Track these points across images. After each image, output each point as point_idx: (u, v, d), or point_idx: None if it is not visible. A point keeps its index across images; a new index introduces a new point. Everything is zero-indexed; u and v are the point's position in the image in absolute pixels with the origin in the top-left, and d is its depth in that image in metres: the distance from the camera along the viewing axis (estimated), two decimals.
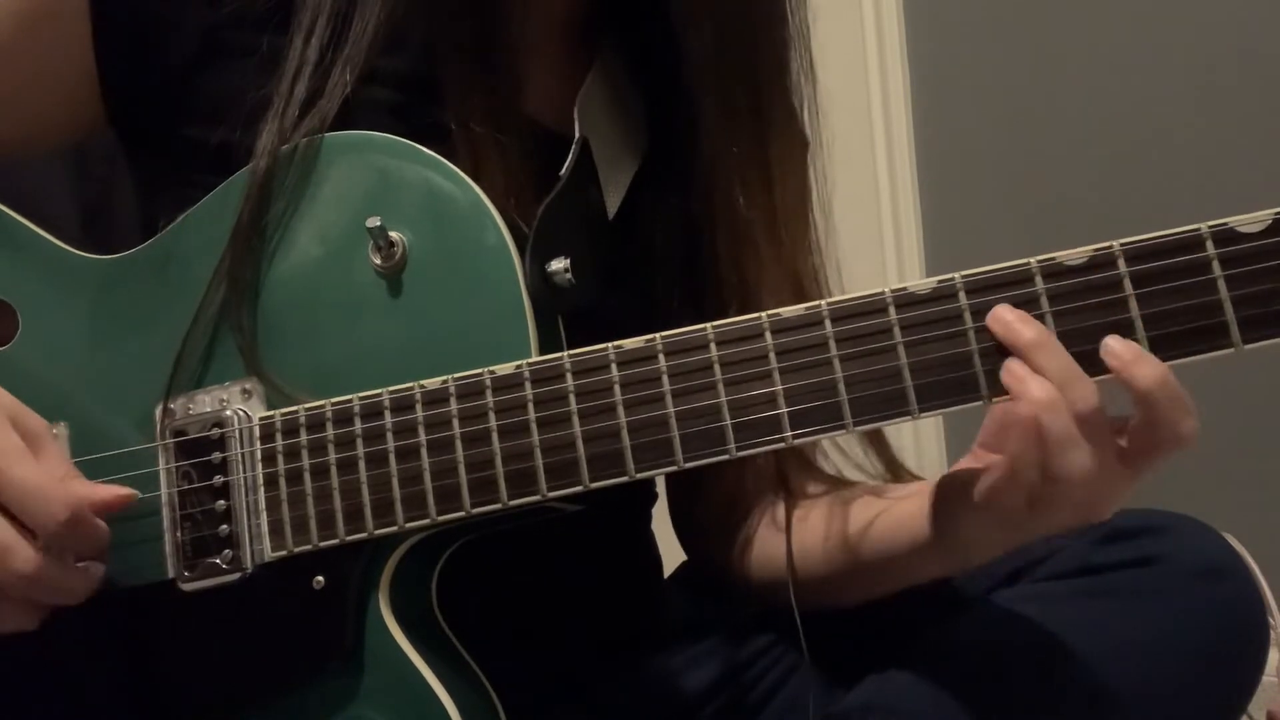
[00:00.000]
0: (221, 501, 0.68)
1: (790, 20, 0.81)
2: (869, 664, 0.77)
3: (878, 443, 0.81)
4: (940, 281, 0.62)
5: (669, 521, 0.90)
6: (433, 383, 0.66)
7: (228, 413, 0.69)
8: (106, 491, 0.65)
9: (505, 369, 0.65)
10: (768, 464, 0.81)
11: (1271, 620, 0.73)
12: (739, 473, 0.82)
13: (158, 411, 0.70)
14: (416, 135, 0.70)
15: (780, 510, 0.81)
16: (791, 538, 0.79)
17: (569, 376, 0.65)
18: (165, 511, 0.69)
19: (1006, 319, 0.60)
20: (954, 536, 0.69)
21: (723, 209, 0.80)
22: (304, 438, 0.67)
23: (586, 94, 0.79)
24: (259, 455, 0.68)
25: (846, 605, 0.79)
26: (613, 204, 0.79)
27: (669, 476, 0.84)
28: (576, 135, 0.77)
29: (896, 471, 0.81)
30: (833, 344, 0.62)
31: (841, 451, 0.81)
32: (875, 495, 0.79)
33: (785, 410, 0.62)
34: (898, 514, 0.74)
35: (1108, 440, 0.61)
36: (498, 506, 0.65)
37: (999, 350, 0.61)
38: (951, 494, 0.68)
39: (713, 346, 0.64)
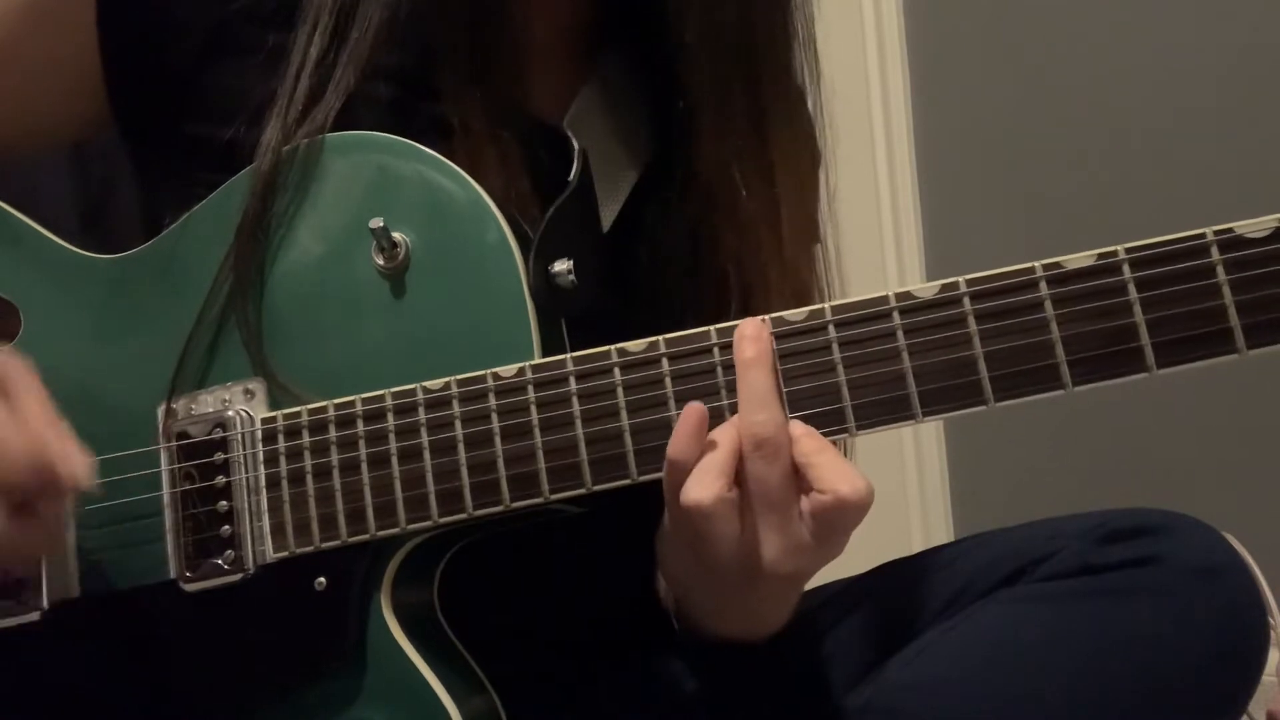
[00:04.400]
0: (224, 502, 0.68)
1: (791, 16, 0.81)
2: (868, 664, 0.77)
3: None
4: (944, 286, 0.62)
5: None
6: (435, 385, 0.66)
7: (230, 413, 0.69)
8: (77, 461, 0.62)
9: (508, 371, 0.65)
10: None
11: (1271, 620, 0.73)
12: None
13: (160, 412, 0.70)
14: (417, 132, 0.70)
15: None
16: None
17: (572, 380, 0.65)
18: (167, 512, 0.69)
19: (744, 332, 0.63)
20: (673, 581, 0.71)
21: (725, 204, 0.79)
22: (306, 439, 0.67)
23: (579, 107, 0.79)
24: (261, 456, 0.68)
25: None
26: (608, 216, 0.79)
27: None
28: (576, 147, 0.77)
29: None
30: (836, 348, 0.62)
31: None
32: None
33: (788, 415, 0.62)
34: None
35: (770, 483, 0.61)
36: (500, 509, 0.65)
37: (1003, 356, 0.61)
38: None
39: (716, 350, 0.64)
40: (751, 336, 0.63)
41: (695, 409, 0.62)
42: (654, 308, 0.80)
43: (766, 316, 0.64)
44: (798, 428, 0.62)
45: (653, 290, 0.81)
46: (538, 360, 0.65)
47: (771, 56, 0.80)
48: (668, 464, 0.63)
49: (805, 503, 0.62)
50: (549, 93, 0.79)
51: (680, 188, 0.81)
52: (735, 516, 0.62)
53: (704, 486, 0.61)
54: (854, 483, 0.61)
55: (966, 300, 0.61)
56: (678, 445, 0.62)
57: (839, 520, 0.61)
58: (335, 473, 0.67)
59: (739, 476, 0.62)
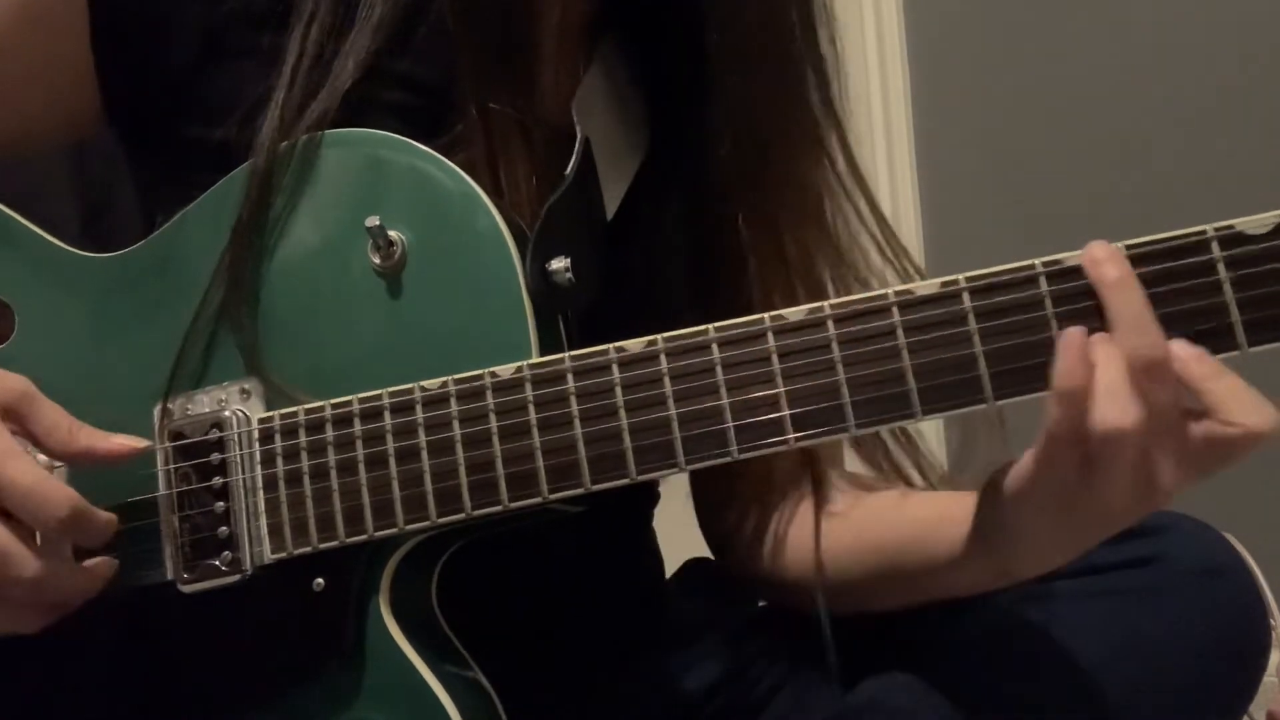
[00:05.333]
0: (221, 503, 0.68)
1: (815, 9, 0.81)
2: (870, 664, 0.77)
3: (910, 445, 0.80)
4: (944, 283, 0.61)
5: (670, 522, 0.90)
6: (433, 384, 0.66)
7: (226, 414, 0.68)
8: (119, 441, 0.65)
9: (506, 370, 0.65)
10: (796, 462, 0.80)
11: (1271, 620, 0.73)
12: (763, 472, 0.82)
13: (156, 412, 0.70)
14: (423, 134, 0.70)
15: (806, 508, 0.81)
16: (820, 538, 0.79)
17: (570, 378, 0.64)
18: (164, 513, 0.69)
19: (1096, 255, 0.59)
20: (1000, 531, 0.65)
21: (745, 196, 0.79)
22: (303, 439, 0.67)
23: (585, 93, 0.79)
24: (258, 457, 0.68)
25: (883, 610, 0.77)
26: (611, 205, 0.79)
27: (693, 475, 0.84)
28: (579, 135, 0.76)
29: (927, 475, 0.80)
30: (836, 346, 0.62)
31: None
32: (913, 493, 0.78)
33: (787, 412, 0.62)
34: (941, 507, 0.73)
35: (1165, 406, 0.58)
36: (498, 508, 0.65)
37: (1004, 353, 0.60)
38: (1000, 479, 0.64)
39: (714, 348, 0.63)
40: (1108, 258, 0.59)
41: (1076, 332, 0.58)
42: (654, 300, 0.80)
43: (766, 315, 0.63)
44: (1183, 348, 0.58)
45: (653, 281, 0.81)
46: (535, 359, 0.65)
47: (796, 43, 0.80)
48: (1063, 396, 0.57)
49: (1198, 428, 0.58)
50: (545, 88, 0.79)
51: (695, 177, 0.80)
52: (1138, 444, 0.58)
53: (1124, 411, 0.57)
54: (1265, 413, 0.57)
55: (966, 297, 0.61)
56: (1072, 373, 0.57)
57: (1242, 451, 0.58)
58: (332, 473, 0.66)
59: None
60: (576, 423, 0.64)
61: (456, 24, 0.73)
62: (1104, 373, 0.58)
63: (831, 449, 0.82)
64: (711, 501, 0.88)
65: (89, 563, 0.65)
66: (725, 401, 0.63)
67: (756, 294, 0.79)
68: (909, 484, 0.80)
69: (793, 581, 0.81)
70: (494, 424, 0.65)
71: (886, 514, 0.78)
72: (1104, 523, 0.62)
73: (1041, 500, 0.61)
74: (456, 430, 0.65)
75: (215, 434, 0.68)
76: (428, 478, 0.65)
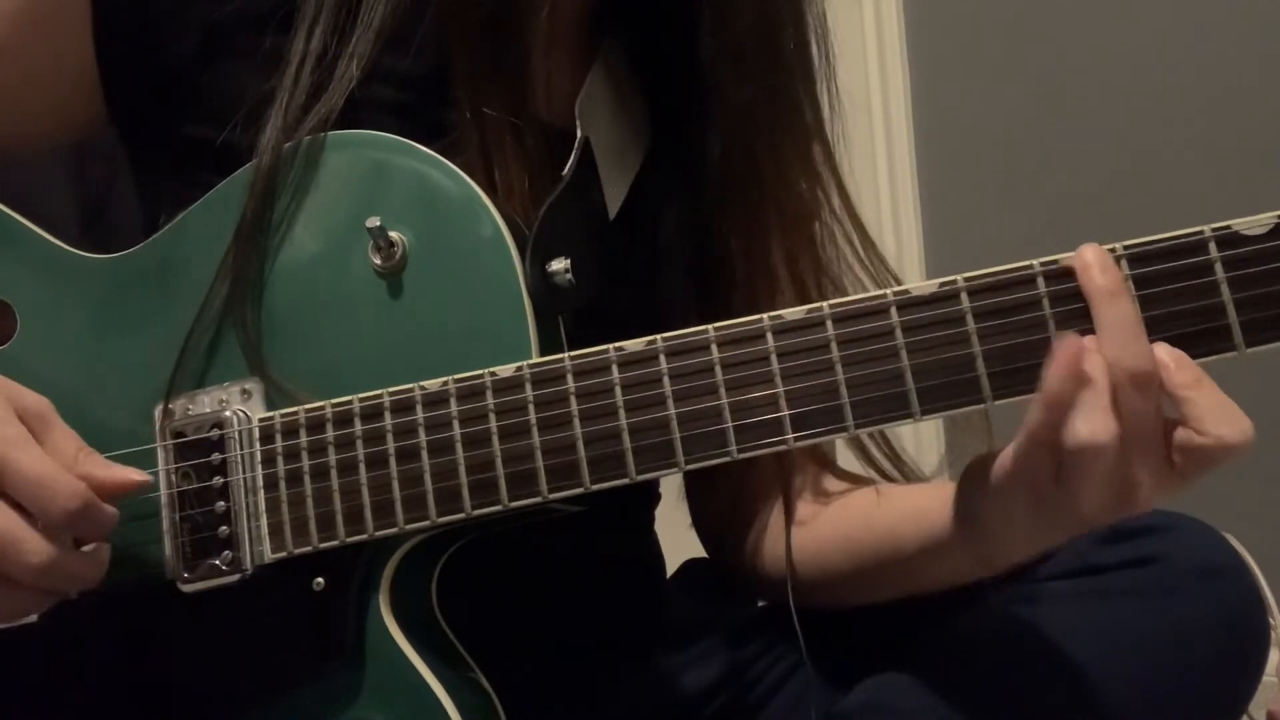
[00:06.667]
0: (221, 503, 0.68)
1: (809, 19, 0.81)
2: (869, 664, 0.77)
3: (885, 445, 0.80)
4: (942, 284, 0.61)
5: (670, 522, 0.90)
6: (433, 384, 0.66)
7: (227, 413, 0.69)
8: (120, 472, 0.64)
9: (506, 370, 0.65)
10: (776, 462, 0.81)
11: (1271, 620, 0.73)
12: (748, 470, 0.82)
13: (157, 412, 0.70)
14: (421, 133, 0.70)
15: (795, 507, 0.81)
16: (791, 535, 0.79)
17: (570, 378, 0.64)
18: (165, 513, 0.69)
19: (1086, 259, 0.59)
20: (977, 520, 0.65)
21: (739, 196, 0.80)
22: (304, 439, 0.67)
23: (588, 93, 0.79)
24: (259, 457, 0.68)
25: (872, 603, 0.78)
26: (614, 203, 0.79)
27: (684, 475, 0.84)
28: (578, 134, 0.76)
29: (905, 473, 0.81)
30: (834, 346, 0.62)
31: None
32: (891, 488, 0.78)
33: (787, 413, 0.62)
34: (920, 501, 0.73)
35: (1147, 416, 0.57)
36: (498, 508, 0.65)
37: (1001, 353, 0.60)
38: (978, 473, 0.65)
39: (714, 348, 0.63)
40: (1100, 265, 0.58)
41: (1075, 340, 0.57)
42: (656, 298, 0.80)
43: (765, 315, 0.63)
44: (1165, 353, 0.58)
45: (655, 280, 0.81)
46: (535, 359, 0.65)
47: (788, 50, 0.80)
48: (1048, 402, 0.57)
49: (1174, 437, 0.58)
50: (545, 88, 0.79)
51: (691, 178, 0.80)
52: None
53: (1100, 425, 0.56)
54: (1238, 425, 0.57)
55: (964, 297, 0.61)
56: (1062, 382, 0.57)
57: (1215, 463, 0.57)
58: (333, 473, 0.66)
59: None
60: (576, 422, 0.64)
61: (448, 29, 0.74)
62: (1085, 387, 0.57)
63: (819, 449, 0.82)
64: (700, 503, 0.88)
65: (88, 548, 0.64)
66: (724, 401, 0.63)
67: (741, 297, 0.79)
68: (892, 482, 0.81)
69: (774, 580, 0.82)
70: (494, 424, 0.65)
71: (866, 510, 0.78)
72: (1079, 522, 0.62)
73: (1017, 495, 0.62)
74: (456, 430, 0.65)
75: (216, 433, 0.68)
76: (428, 477, 0.65)
